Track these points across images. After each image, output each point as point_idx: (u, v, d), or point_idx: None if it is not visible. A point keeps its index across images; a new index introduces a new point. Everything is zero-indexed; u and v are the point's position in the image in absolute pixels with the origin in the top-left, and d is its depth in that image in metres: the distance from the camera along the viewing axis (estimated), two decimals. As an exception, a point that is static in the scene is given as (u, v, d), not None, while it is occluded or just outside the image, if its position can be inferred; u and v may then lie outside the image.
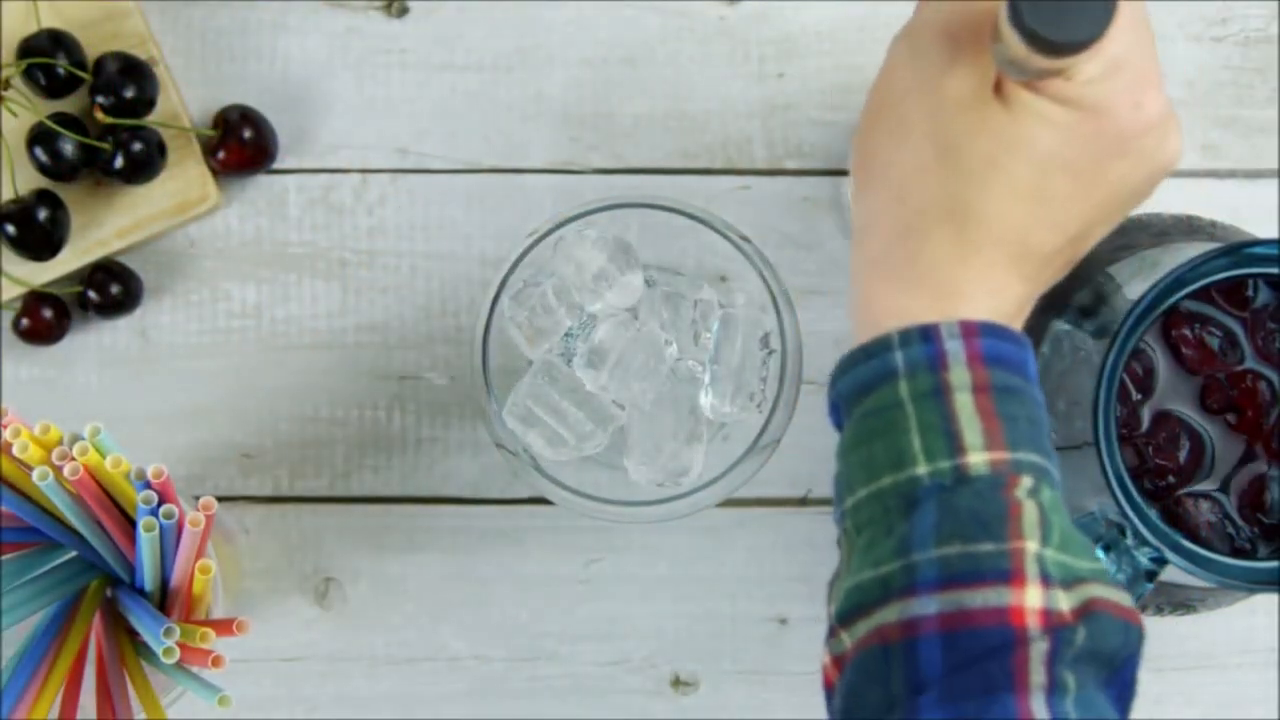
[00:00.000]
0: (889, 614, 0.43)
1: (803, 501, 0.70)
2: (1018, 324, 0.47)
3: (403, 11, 0.70)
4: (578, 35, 0.70)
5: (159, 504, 0.55)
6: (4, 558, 0.58)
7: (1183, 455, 0.55)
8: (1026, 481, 0.44)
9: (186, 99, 0.70)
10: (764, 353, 0.61)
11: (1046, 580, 0.42)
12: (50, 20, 0.68)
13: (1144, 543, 0.52)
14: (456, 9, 0.70)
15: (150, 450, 0.69)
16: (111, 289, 0.68)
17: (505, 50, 0.70)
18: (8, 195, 0.66)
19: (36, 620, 0.59)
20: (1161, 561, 0.53)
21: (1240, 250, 0.53)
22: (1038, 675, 0.41)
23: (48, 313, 0.68)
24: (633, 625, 0.69)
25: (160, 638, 0.55)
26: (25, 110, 0.66)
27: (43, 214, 0.66)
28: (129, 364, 0.69)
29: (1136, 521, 0.52)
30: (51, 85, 0.66)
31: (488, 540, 0.69)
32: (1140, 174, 0.47)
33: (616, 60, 0.70)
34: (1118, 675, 0.43)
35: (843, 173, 0.70)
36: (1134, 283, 0.56)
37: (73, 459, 0.54)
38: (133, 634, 0.59)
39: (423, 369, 0.70)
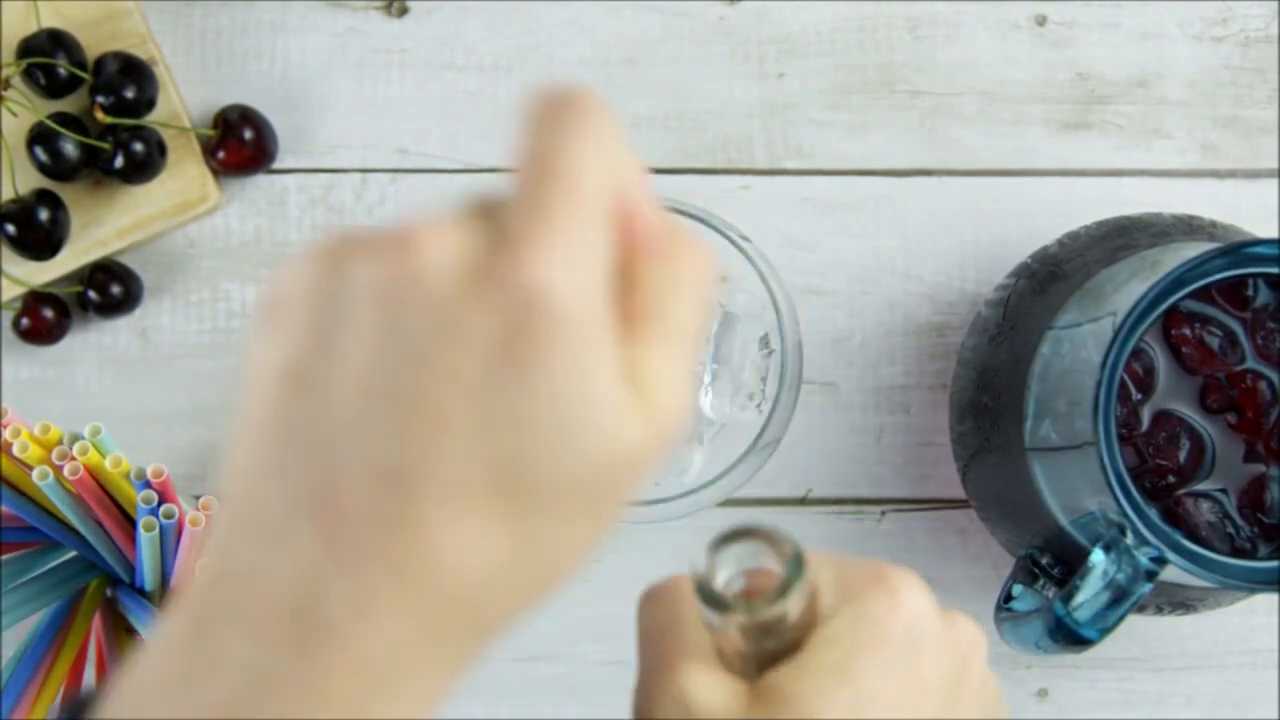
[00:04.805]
0: None
1: (803, 501, 0.70)
2: None
3: (403, 11, 0.70)
4: (578, 35, 0.70)
5: (159, 504, 0.55)
6: (4, 558, 0.58)
7: (1183, 455, 0.55)
8: None
9: (186, 99, 0.70)
10: (764, 353, 0.61)
11: None
12: (50, 20, 0.68)
13: (1144, 543, 0.52)
14: (456, 9, 0.70)
15: (150, 450, 0.69)
16: (111, 289, 0.68)
17: (505, 50, 0.70)
18: (8, 195, 0.66)
19: (36, 620, 0.59)
20: (1161, 561, 0.53)
21: (1240, 250, 0.53)
22: None
23: (48, 313, 0.68)
24: (633, 625, 0.69)
25: (160, 638, 0.55)
26: (25, 110, 0.66)
27: (43, 214, 0.66)
28: (129, 364, 0.69)
29: (1136, 521, 0.52)
30: (51, 85, 0.66)
31: (488, 540, 0.69)
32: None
33: (616, 60, 0.70)
34: None
35: (845, 173, 0.70)
36: (1134, 283, 0.56)
37: (73, 459, 0.54)
38: (133, 634, 0.59)
39: (423, 369, 0.69)
